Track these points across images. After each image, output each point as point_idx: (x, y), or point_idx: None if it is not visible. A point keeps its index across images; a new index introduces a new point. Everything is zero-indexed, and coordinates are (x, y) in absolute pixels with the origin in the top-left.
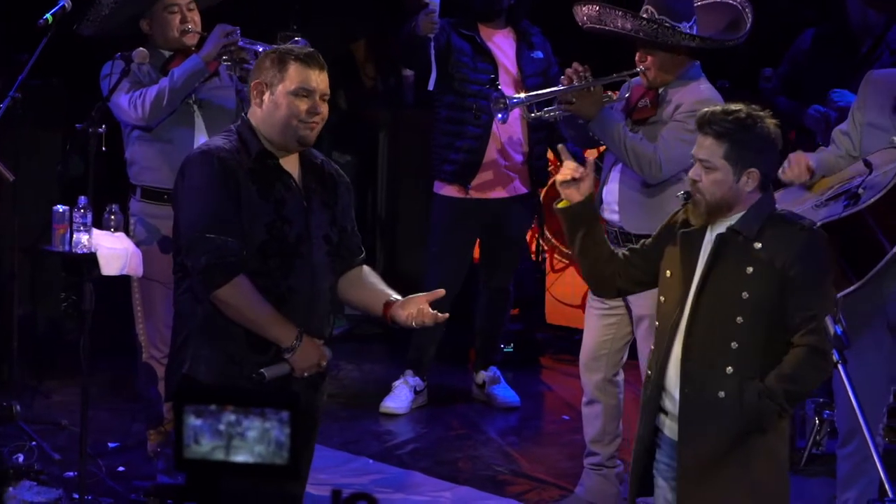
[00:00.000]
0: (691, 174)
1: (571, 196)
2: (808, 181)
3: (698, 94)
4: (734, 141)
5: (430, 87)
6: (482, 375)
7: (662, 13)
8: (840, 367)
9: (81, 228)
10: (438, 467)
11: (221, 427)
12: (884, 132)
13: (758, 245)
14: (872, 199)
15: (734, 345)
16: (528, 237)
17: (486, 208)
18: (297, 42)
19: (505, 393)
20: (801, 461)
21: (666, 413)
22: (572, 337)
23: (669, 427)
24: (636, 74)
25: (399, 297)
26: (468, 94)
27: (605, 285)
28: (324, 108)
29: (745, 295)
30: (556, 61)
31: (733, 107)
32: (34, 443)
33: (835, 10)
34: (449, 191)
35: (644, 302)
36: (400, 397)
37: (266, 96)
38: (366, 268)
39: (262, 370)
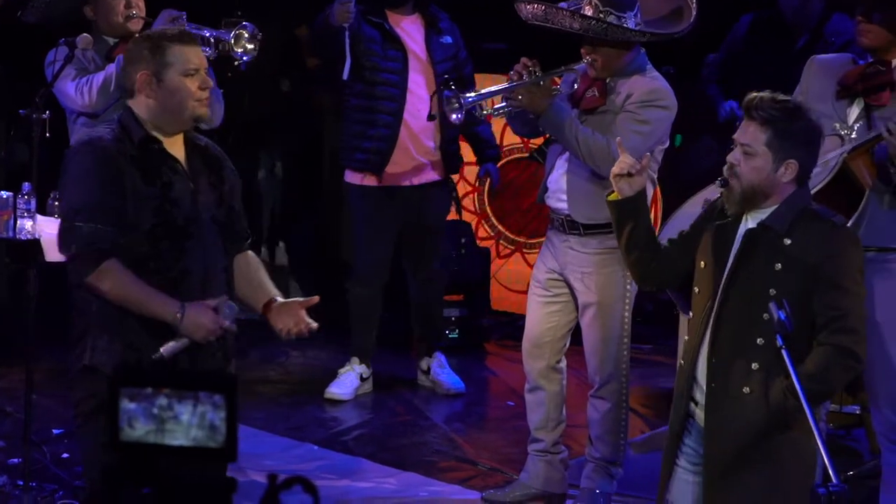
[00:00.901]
0: (730, 158)
1: (623, 190)
2: None
3: (647, 84)
4: (779, 129)
5: (345, 76)
6: (426, 361)
7: (607, 5)
8: (784, 352)
9: (25, 214)
10: (383, 453)
11: (156, 410)
12: (826, 118)
13: (788, 241)
14: (815, 189)
15: (760, 341)
16: (474, 224)
17: (401, 197)
18: (244, 27)
19: (450, 378)
20: None
21: (697, 404)
22: (517, 322)
23: (700, 417)
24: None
25: (280, 298)
26: (378, 82)
27: (649, 278)
28: (209, 80)
29: (772, 291)
30: (465, 45)
31: (781, 96)
32: None
33: None
34: (362, 180)
35: (590, 289)
36: (345, 384)
37: (155, 85)
38: (251, 256)
39: (160, 350)
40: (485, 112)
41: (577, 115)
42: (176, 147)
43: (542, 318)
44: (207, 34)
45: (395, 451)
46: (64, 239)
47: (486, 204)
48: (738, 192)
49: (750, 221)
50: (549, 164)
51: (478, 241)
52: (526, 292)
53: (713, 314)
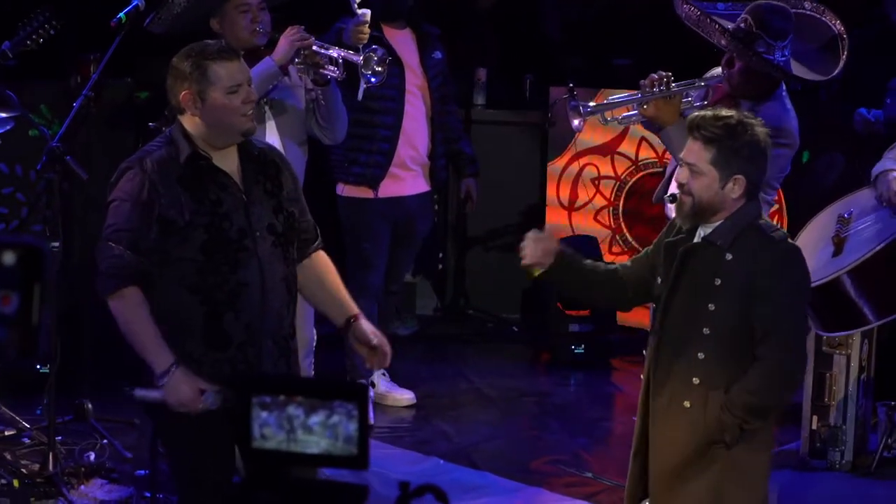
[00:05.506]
0: (678, 177)
1: (538, 266)
2: None
3: (774, 118)
4: (722, 147)
5: (360, 97)
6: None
7: (760, 28)
8: None
9: None
10: (509, 468)
11: (288, 420)
12: None
13: (729, 256)
14: None
15: (701, 355)
16: (609, 238)
17: (395, 207)
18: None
19: (398, 389)
20: (873, 464)
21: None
22: (645, 338)
23: None
24: (718, 81)
25: (361, 318)
26: (376, 96)
27: (622, 304)
28: (253, 93)
29: (711, 307)
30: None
31: (724, 112)
32: (105, 441)
33: (877, 11)
34: (356, 192)
35: None
36: (403, 389)
37: (200, 104)
38: (322, 259)
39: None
40: (609, 121)
41: None
42: (228, 159)
43: None
44: (335, 54)
45: (520, 466)
46: (97, 254)
47: (622, 219)
48: (689, 207)
49: (697, 237)
50: (668, 173)
51: (607, 257)
52: None
53: (657, 330)
